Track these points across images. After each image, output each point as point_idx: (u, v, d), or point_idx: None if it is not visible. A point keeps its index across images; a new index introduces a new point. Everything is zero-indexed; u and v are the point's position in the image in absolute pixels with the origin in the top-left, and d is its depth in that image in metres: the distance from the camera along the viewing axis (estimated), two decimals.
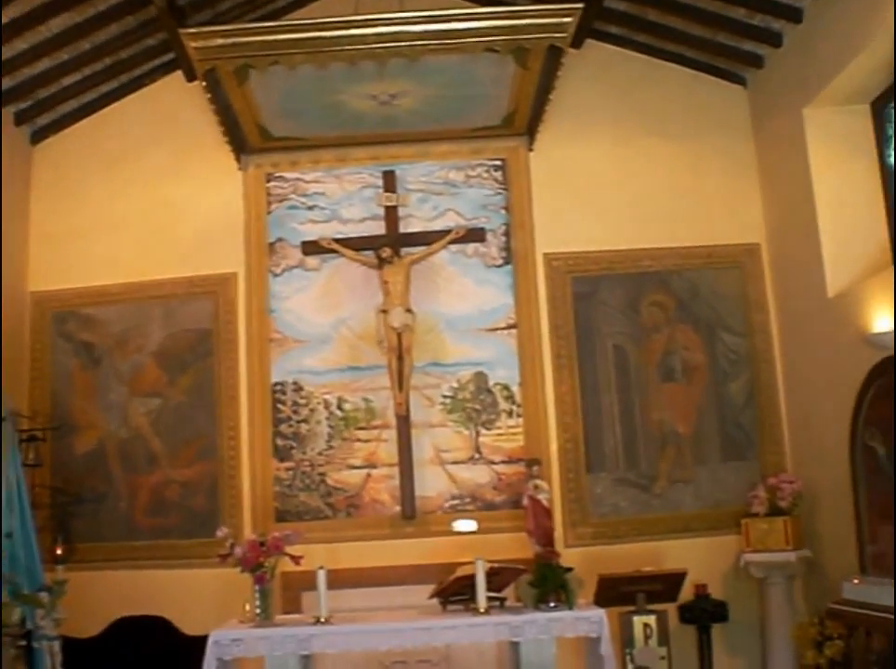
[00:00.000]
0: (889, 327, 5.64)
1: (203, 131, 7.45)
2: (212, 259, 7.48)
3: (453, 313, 7.45)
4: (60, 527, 6.90)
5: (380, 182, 7.60)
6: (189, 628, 6.54)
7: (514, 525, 6.68)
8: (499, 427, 7.34)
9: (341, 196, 7.63)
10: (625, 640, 6.23)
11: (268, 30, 6.04)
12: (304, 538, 5.81)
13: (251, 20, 7.25)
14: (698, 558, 6.83)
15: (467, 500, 7.25)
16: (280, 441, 7.34)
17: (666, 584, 6.41)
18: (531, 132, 7.48)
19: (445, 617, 5.45)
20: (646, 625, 6.21)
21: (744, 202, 7.54)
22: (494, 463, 7.30)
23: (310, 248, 7.52)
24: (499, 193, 7.62)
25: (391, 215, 7.54)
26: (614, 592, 6.24)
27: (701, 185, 7.56)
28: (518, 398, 7.36)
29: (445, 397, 7.37)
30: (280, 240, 7.58)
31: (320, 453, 7.33)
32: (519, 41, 6.00)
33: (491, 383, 7.40)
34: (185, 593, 6.91)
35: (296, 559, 5.49)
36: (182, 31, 6.05)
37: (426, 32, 5.92)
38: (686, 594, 6.60)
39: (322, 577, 5.37)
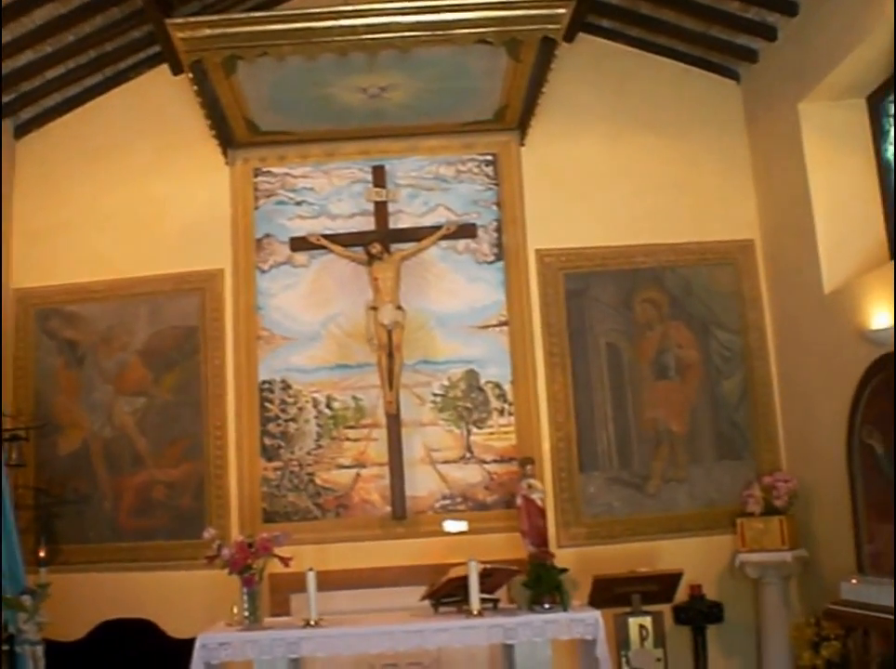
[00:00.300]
0: (888, 323, 5.59)
1: (189, 125, 7.38)
2: (198, 255, 7.38)
3: (443, 310, 7.37)
4: (44, 528, 6.80)
5: (370, 177, 7.51)
6: (175, 631, 6.44)
7: (506, 525, 6.69)
8: (491, 426, 7.27)
9: (330, 191, 7.54)
10: (620, 642, 6.18)
11: (256, 20, 5.97)
12: (293, 539, 5.76)
13: (239, 11, 7.12)
14: (693, 559, 6.77)
15: (459, 500, 7.18)
16: (268, 441, 7.25)
17: (663, 585, 6.35)
18: (522, 127, 7.41)
19: (437, 619, 5.39)
20: (642, 627, 6.15)
21: (738, 198, 7.50)
22: (485, 462, 7.22)
23: (299, 244, 7.43)
24: (490, 189, 7.54)
25: (381, 210, 7.45)
26: (609, 593, 6.17)
27: (694, 181, 7.51)
28: (509, 396, 7.28)
29: (436, 395, 7.30)
30: (268, 236, 7.49)
31: (308, 453, 7.24)
32: (511, 32, 5.94)
33: (482, 381, 7.32)
34: (171, 595, 6.83)
35: (284, 561, 5.44)
36: (169, 21, 5.97)
37: (417, 22, 5.85)
38: (681, 595, 6.54)
39: (311, 579, 5.32)
